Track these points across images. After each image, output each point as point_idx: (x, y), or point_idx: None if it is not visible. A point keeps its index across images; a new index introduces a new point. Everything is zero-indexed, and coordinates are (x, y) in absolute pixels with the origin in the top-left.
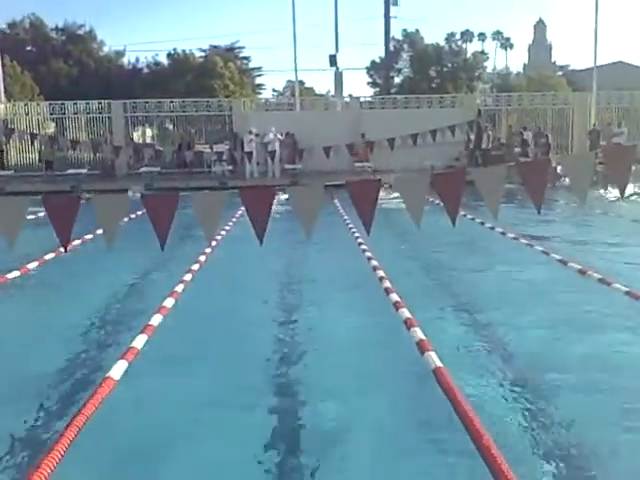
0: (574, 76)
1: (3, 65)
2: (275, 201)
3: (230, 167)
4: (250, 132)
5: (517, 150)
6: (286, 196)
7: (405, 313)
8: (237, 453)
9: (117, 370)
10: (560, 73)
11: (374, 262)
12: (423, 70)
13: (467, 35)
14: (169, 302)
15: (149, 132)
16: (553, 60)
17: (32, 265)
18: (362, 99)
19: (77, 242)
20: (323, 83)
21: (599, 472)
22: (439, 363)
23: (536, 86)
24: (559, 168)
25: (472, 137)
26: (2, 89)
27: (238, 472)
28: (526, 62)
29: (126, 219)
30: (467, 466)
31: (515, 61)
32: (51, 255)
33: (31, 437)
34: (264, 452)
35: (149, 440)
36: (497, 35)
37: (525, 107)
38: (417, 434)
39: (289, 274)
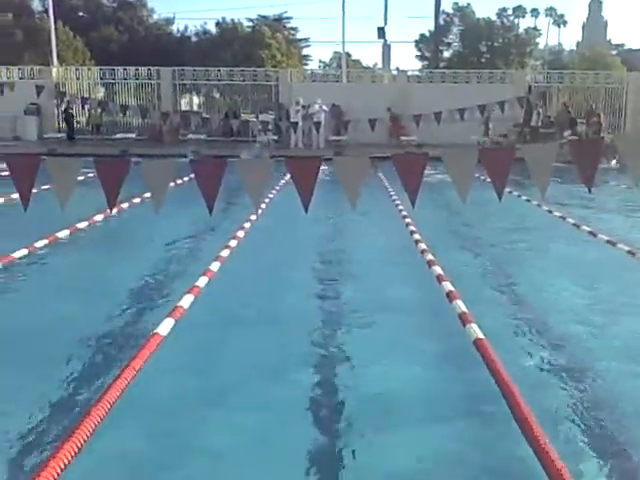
0: (629, 55)
1: (56, 30)
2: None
3: (275, 137)
4: (297, 103)
5: (567, 129)
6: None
7: (448, 286)
8: (282, 412)
9: (164, 327)
10: (615, 52)
11: (417, 235)
12: (473, 45)
13: (519, 11)
14: (215, 266)
15: (196, 100)
16: (608, 38)
17: (81, 225)
18: (409, 73)
19: (125, 205)
20: (371, 56)
21: None
22: (480, 335)
23: (589, 64)
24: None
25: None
26: (55, 53)
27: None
28: (580, 40)
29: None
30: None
31: (568, 39)
32: (100, 216)
33: (81, 387)
34: (308, 410)
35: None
36: (550, 11)
37: (577, 85)
38: (457, 402)
39: (332, 243)
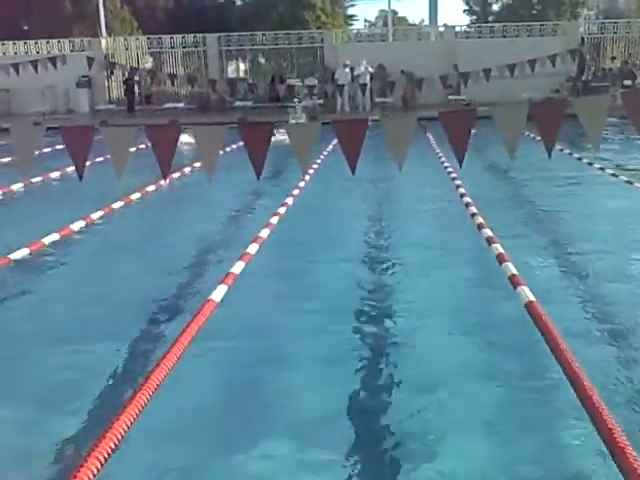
0: None
1: (104, 1)
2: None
3: (321, 101)
4: (345, 65)
5: (624, 82)
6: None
7: (498, 248)
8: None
9: (218, 293)
10: None
11: (467, 198)
12: None
13: None
14: (264, 232)
15: (242, 66)
16: None
17: (135, 196)
18: (457, 28)
19: (177, 174)
20: (417, 12)
21: None
22: (532, 297)
23: None
24: None
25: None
26: (103, 24)
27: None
28: None
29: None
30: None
31: None
32: (152, 187)
33: (138, 349)
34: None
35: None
36: None
37: (633, 35)
38: (501, 361)
39: (380, 206)
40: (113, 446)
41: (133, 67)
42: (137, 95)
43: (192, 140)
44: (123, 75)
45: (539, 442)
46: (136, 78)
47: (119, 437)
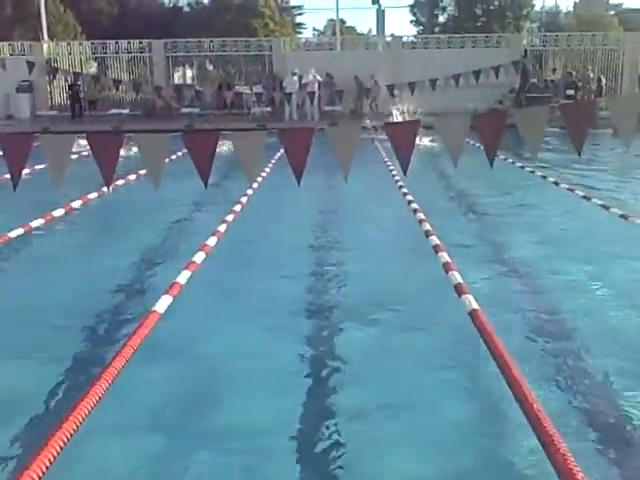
0: (627, 16)
1: (46, 4)
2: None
3: (269, 109)
4: (293, 73)
5: (567, 92)
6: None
7: (444, 257)
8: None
9: (162, 304)
10: (613, 12)
11: (414, 205)
12: (469, 8)
13: None
14: (212, 241)
15: (189, 73)
16: None
17: (76, 204)
18: (404, 39)
19: (120, 182)
20: (365, 22)
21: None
22: (475, 305)
23: (586, 26)
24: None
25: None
26: (45, 28)
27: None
28: (577, 0)
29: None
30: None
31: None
32: (94, 195)
33: (83, 361)
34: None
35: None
36: None
37: (574, 48)
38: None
39: (328, 215)
40: (49, 462)
41: (77, 72)
42: (82, 101)
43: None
44: (66, 80)
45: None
46: (79, 83)
47: (57, 451)
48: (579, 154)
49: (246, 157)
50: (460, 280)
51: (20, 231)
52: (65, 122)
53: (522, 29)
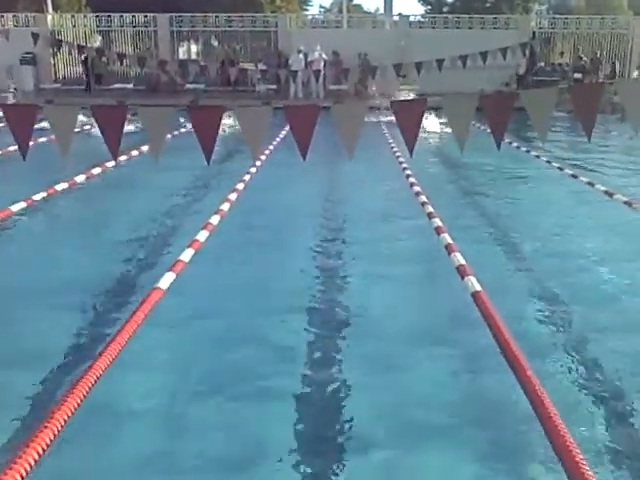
0: None
1: None
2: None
3: (274, 86)
4: (299, 51)
5: (575, 76)
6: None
7: (446, 238)
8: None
9: (165, 281)
10: None
11: (417, 187)
12: None
13: None
14: (215, 219)
15: (194, 48)
16: None
17: (80, 178)
18: (412, 18)
19: (124, 157)
20: (372, 0)
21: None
22: (478, 287)
23: (595, 9)
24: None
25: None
26: (49, 0)
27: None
28: None
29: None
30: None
31: None
32: (98, 170)
33: (85, 338)
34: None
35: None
36: None
37: (582, 31)
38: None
39: (331, 194)
40: (53, 435)
41: (91, 46)
42: (94, 75)
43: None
44: (70, 53)
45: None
46: (85, 56)
47: (61, 425)
48: (589, 139)
49: (251, 133)
50: (463, 262)
51: (22, 205)
52: (70, 95)
53: (531, 11)
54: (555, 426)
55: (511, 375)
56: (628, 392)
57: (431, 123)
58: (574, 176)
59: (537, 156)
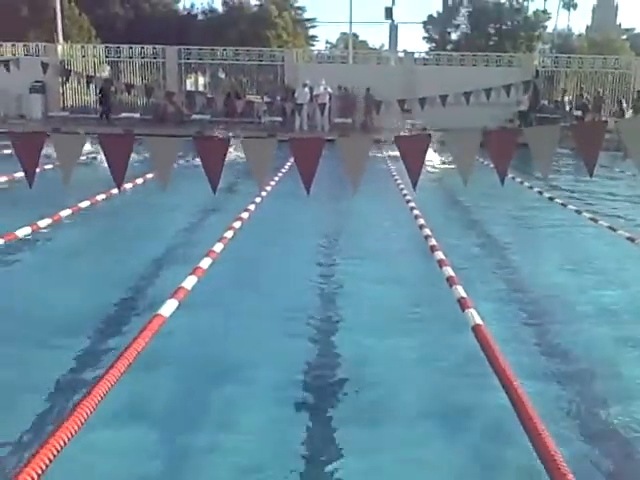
0: (639, 40)
1: (62, 6)
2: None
3: (279, 119)
4: (304, 85)
5: (575, 113)
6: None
7: (448, 271)
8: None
9: (167, 308)
10: (625, 37)
11: (421, 220)
12: (481, 27)
13: None
14: (218, 247)
15: (201, 80)
16: (618, 22)
17: (84, 204)
18: (416, 55)
19: (129, 185)
20: (377, 37)
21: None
22: (479, 320)
23: (598, 49)
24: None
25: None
26: (60, 30)
27: None
28: (589, 24)
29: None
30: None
31: (578, 22)
32: (102, 196)
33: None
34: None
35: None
36: None
37: (585, 70)
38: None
39: (335, 227)
40: (49, 461)
41: (98, 76)
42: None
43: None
44: (79, 82)
45: None
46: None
47: (57, 450)
48: (591, 175)
49: (256, 164)
50: (464, 294)
51: (27, 230)
52: (76, 124)
53: (534, 49)
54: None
55: None
56: None
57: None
58: (578, 212)
59: (540, 192)
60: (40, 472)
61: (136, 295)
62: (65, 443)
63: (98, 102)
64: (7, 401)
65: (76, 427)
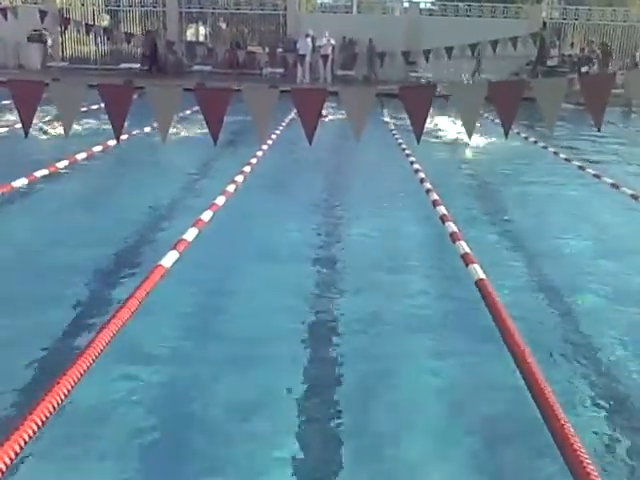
0: None
1: None
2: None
3: (281, 70)
4: (307, 35)
5: (583, 69)
6: None
7: (451, 226)
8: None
9: (168, 259)
10: None
11: (421, 174)
12: None
13: None
14: (220, 200)
15: (202, 30)
16: None
17: (80, 156)
18: (422, 5)
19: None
20: None
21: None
22: (482, 275)
23: (607, 1)
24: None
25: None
26: None
27: None
28: None
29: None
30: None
31: None
32: (99, 148)
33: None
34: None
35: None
36: None
37: (594, 22)
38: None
39: (336, 177)
40: (49, 413)
41: (65, 18)
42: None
43: None
44: (78, 31)
45: None
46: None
47: (58, 403)
48: (598, 129)
49: (258, 115)
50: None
51: (24, 181)
52: (76, 74)
53: (542, 1)
54: (554, 414)
55: None
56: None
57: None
58: (581, 168)
59: (544, 147)
60: (45, 418)
61: (136, 246)
62: (69, 391)
63: (142, 55)
64: (10, 350)
65: (79, 374)
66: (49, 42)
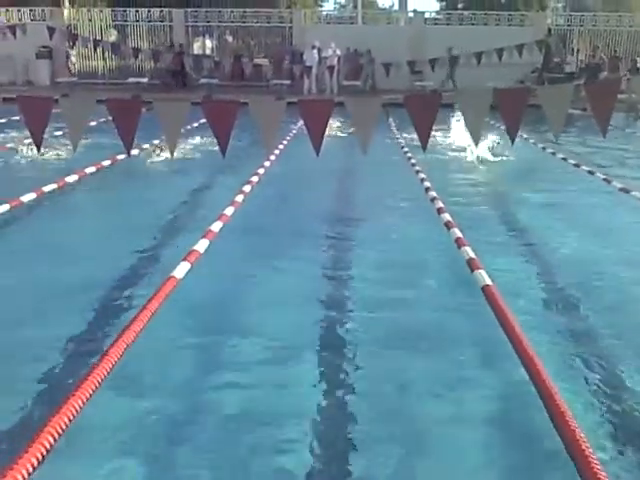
0: None
1: None
2: None
3: (287, 82)
4: (313, 46)
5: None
6: None
7: (456, 232)
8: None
9: (180, 270)
10: None
11: (427, 183)
12: None
13: None
14: (229, 210)
15: (209, 43)
16: None
17: (89, 170)
18: (427, 14)
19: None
20: None
21: None
22: (488, 281)
23: (613, 6)
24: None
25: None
26: None
27: None
28: None
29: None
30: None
31: None
32: (107, 162)
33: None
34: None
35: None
36: None
37: (599, 29)
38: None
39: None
40: (65, 426)
41: (73, 34)
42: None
43: None
44: (86, 47)
45: None
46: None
47: (74, 414)
48: (604, 135)
49: (265, 127)
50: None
51: (32, 195)
52: (84, 88)
53: (547, 8)
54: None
55: None
56: None
57: None
58: (591, 172)
59: (553, 153)
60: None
61: (148, 258)
62: (84, 403)
63: (171, 73)
64: (21, 359)
65: (93, 388)
66: (72, 59)
